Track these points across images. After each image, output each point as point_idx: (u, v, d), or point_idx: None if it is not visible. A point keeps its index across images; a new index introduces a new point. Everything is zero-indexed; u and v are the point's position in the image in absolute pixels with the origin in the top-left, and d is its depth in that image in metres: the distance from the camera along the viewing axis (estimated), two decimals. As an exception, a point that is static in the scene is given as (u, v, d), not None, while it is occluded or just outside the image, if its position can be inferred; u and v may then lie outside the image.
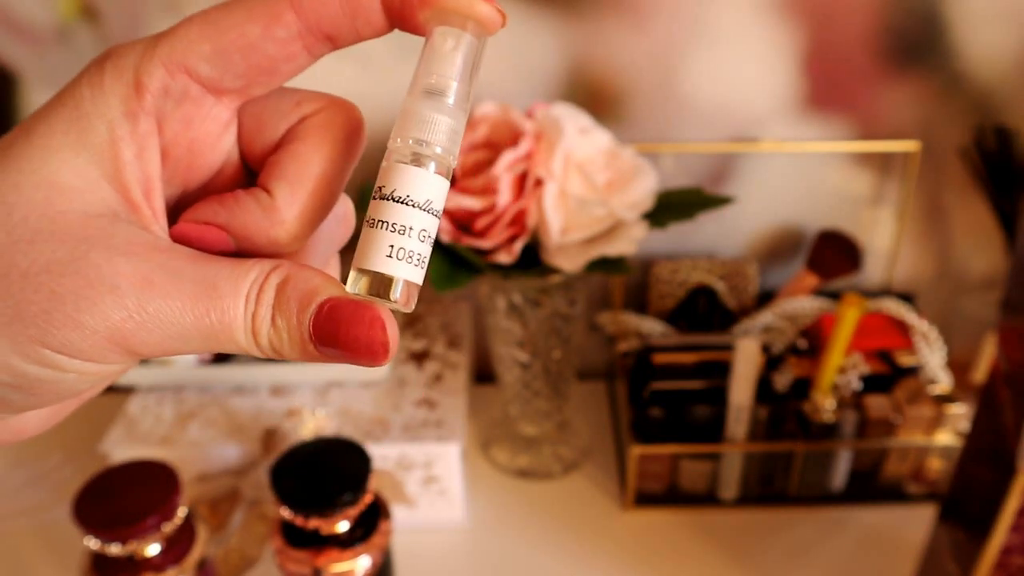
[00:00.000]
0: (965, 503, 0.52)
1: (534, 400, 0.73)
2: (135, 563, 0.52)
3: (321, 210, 0.25)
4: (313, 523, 0.52)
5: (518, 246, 0.59)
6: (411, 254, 0.24)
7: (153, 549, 0.52)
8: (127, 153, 0.23)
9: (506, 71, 0.70)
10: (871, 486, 0.71)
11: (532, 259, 0.61)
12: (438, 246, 0.61)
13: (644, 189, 0.61)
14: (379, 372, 0.71)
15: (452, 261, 0.60)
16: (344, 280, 0.24)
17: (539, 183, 0.58)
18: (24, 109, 0.71)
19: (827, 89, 0.71)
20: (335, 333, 0.23)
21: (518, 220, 0.59)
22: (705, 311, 0.76)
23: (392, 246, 0.23)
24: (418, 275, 0.24)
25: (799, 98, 0.71)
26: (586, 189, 0.59)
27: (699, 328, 0.75)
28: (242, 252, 0.25)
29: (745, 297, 0.77)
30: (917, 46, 0.69)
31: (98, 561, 0.53)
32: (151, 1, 0.67)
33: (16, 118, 0.72)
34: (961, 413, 0.67)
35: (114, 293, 0.22)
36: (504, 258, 0.59)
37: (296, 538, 0.54)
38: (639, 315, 0.75)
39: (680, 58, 0.69)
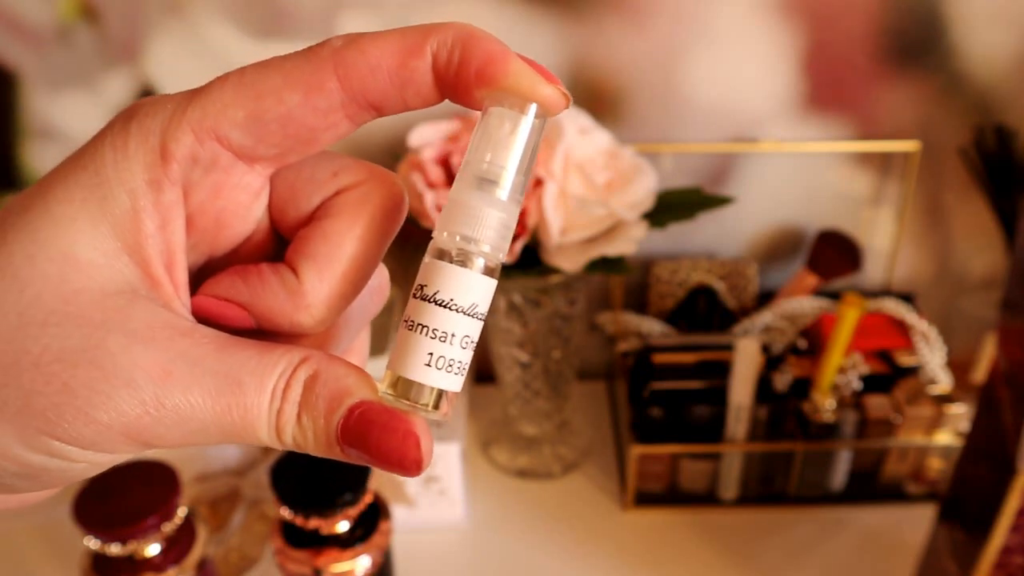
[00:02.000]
0: (965, 503, 0.52)
1: (534, 400, 0.73)
2: (135, 563, 0.52)
3: (352, 293, 0.24)
4: (313, 523, 0.52)
5: (518, 246, 0.59)
6: (451, 363, 0.22)
7: (153, 549, 0.52)
8: (149, 225, 0.21)
9: (506, 71, 0.70)
10: (871, 486, 0.71)
11: (532, 259, 0.61)
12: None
13: (644, 189, 0.61)
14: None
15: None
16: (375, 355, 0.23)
17: (539, 183, 0.58)
18: (24, 109, 0.71)
19: (827, 89, 0.71)
20: (365, 441, 0.21)
21: (518, 220, 0.59)
22: (705, 311, 0.76)
23: (432, 354, 0.22)
24: (458, 383, 0.22)
25: (799, 98, 0.71)
26: (586, 189, 0.59)
27: (699, 328, 0.75)
28: (263, 331, 0.24)
29: (745, 297, 0.77)
30: (917, 46, 0.69)
31: (98, 561, 0.53)
32: (151, 1, 0.67)
33: (16, 118, 0.72)
34: (961, 413, 0.67)
35: (130, 387, 0.20)
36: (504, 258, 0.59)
37: (296, 538, 0.54)
38: (639, 315, 0.75)
39: (680, 58, 0.69)
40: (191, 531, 0.55)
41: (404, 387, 0.22)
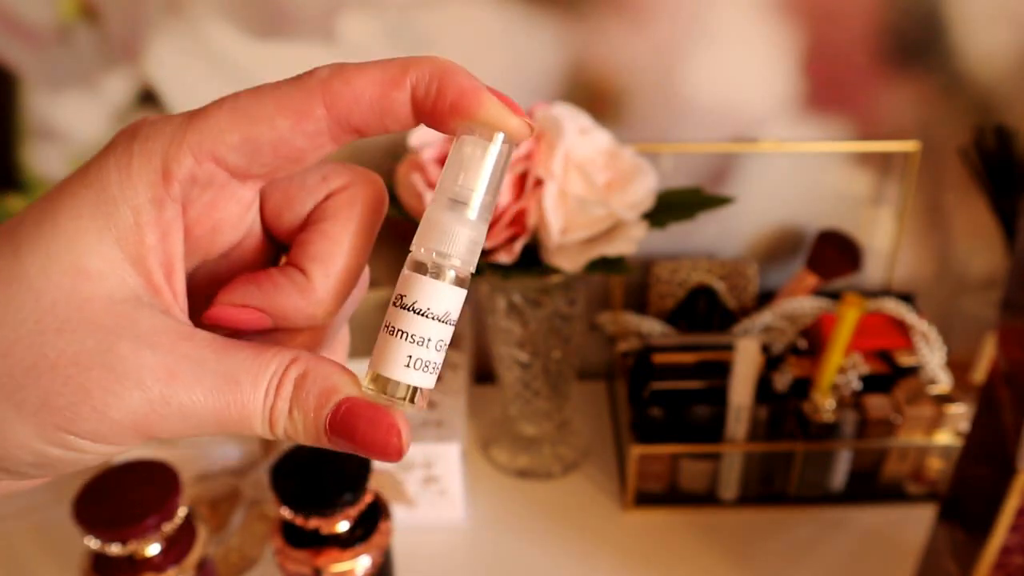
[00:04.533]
0: (965, 503, 0.52)
1: (534, 400, 0.73)
2: (135, 563, 0.52)
3: (353, 283, 0.26)
4: (313, 523, 0.52)
5: (518, 246, 0.59)
6: (427, 363, 0.25)
7: (153, 549, 0.52)
8: (151, 238, 0.23)
9: (506, 71, 0.70)
10: (871, 486, 0.71)
11: (532, 259, 0.61)
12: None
13: (644, 189, 0.61)
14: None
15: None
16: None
17: (539, 183, 0.58)
18: (24, 109, 0.71)
19: (827, 89, 0.71)
20: (352, 433, 0.24)
21: (518, 220, 0.59)
22: (705, 311, 0.76)
23: (410, 356, 0.24)
24: (432, 381, 0.25)
25: (799, 98, 0.71)
26: (586, 189, 0.59)
27: (699, 328, 0.75)
28: (278, 328, 0.26)
29: (745, 297, 0.77)
30: (917, 46, 0.69)
31: (98, 561, 0.53)
32: (151, 1, 0.67)
33: (16, 118, 0.72)
34: (961, 413, 0.67)
35: (140, 387, 0.22)
36: (504, 258, 0.59)
37: (296, 538, 0.54)
38: (639, 315, 0.75)
39: (680, 58, 0.69)
40: (191, 531, 0.54)
41: (385, 384, 0.25)
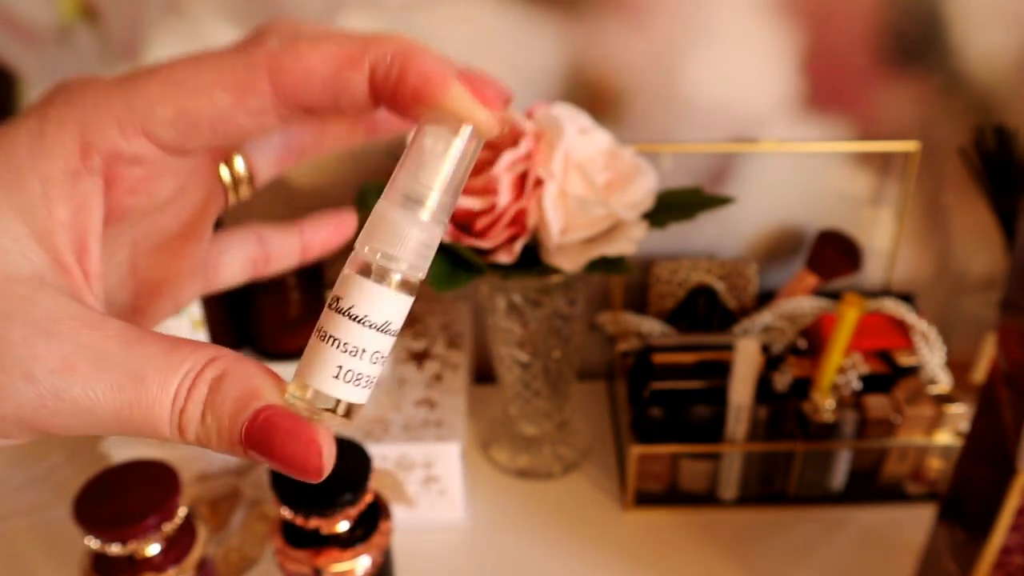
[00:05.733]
0: (965, 503, 0.52)
1: (534, 400, 0.73)
2: (135, 563, 0.52)
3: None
4: (313, 523, 0.52)
5: (518, 246, 0.59)
6: (359, 377, 0.22)
7: (153, 549, 0.52)
8: (61, 212, 0.21)
9: (506, 71, 0.70)
10: (871, 486, 0.71)
11: (532, 259, 0.61)
12: (439, 246, 0.61)
13: (644, 189, 0.61)
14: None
15: (452, 261, 0.60)
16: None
17: (539, 183, 0.58)
18: (24, 109, 0.71)
19: (827, 89, 0.71)
20: (269, 445, 0.21)
21: (518, 220, 0.59)
22: (705, 311, 0.76)
23: (340, 367, 0.22)
24: (365, 396, 0.23)
25: (799, 98, 0.71)
26: (586, 189, 0.59)
27: (699, 328, 0.75)
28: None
29: (745, 297, 0.77)
30: (917, 46, 0.69)
31: (98, 561, 0.53)
32: (151, 1, 0.67)
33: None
34: (961, 413, 0.67)
35: (27, 379, 0.20)
36: (504, 258, 0.59)
37: (296, 538, 0.54)
38: (639, 315, 0.75)
39: (680, 58, 0.69)
40: (191, 531, 0.54)
41: (309, 395, 0.22)
